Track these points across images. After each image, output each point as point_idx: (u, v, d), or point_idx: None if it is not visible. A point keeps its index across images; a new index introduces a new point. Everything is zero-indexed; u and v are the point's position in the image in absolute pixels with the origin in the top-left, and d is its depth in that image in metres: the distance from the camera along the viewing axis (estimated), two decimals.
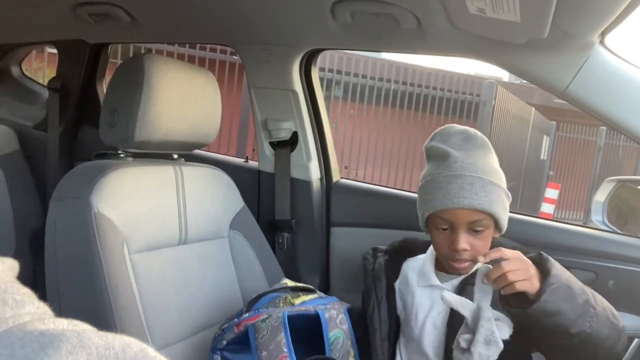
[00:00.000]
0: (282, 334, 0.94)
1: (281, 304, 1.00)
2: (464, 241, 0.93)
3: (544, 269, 0.83)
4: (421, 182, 1.02)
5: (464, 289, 0.97)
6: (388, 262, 1.11)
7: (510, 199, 0.99)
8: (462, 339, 0.84)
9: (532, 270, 0.83)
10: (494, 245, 1.02)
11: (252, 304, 1.02)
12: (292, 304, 1.00)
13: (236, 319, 0.98)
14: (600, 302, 0.85)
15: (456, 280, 1.00)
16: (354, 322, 1.06)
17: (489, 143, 1.01)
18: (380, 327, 1.06)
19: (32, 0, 1.31)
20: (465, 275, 0.98)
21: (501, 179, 0.97)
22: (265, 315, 0.96)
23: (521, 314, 0.82)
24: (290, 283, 1.09)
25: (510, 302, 0.84)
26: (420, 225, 1.03)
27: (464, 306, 0.84)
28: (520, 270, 0.81)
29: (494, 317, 0.82)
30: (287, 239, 1.44)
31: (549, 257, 0.85)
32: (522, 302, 0.82)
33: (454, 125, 1.03)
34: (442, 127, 1.04)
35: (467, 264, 0.95)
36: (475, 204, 0.92)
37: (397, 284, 1.09)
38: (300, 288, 1.08)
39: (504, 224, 0.98)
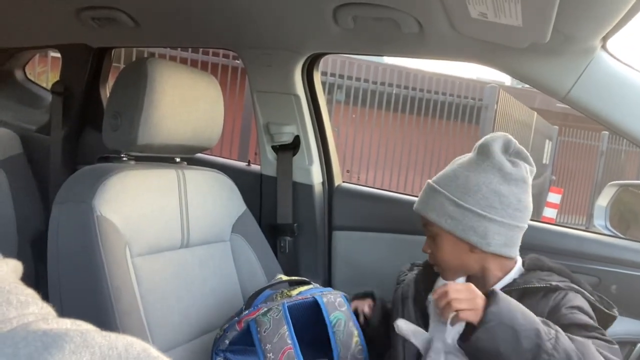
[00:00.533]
0: (285, 326, 0.95)
1: (279, 298, 1.01)
2: (426, 244, 1.01)
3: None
4: None
5: None
6: (421, 273, 1.10)
7: (473, 212, 0.92)
8: None
9: (479, 301, 0.81)
10: (529, 261, 1.00)
11: (250, 301, 1.03)
12: (290, 296, 1.01)
13: (237, 318, 0.99)
14: (565, 349, 0.77)
15: None
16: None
17: (495, 157, 0.94)
18: None
19: (35, 4, 1.32)
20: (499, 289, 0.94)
21: (454, 188, 0.94)
22: (265, 309, 0.97)
23: (464, 349, 0.82)
24: (285, 277, 1.10)
25: (462, 337, 0.83)
26: None
27: (415, 336, 0.85)
28: (465, 300, 0.80)
29: (444, 349, 0.81)
30: (289, 242, 1.44)
31: (497, 294, 0.81)
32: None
33: (498, 134, 1.00)
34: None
35: (437, 269, 1.01)
36: (416, 207, 1.02)
37: (430, 297, 1.05)
38: (296, 281, 1.09)
39: (468, 238, 0.93)
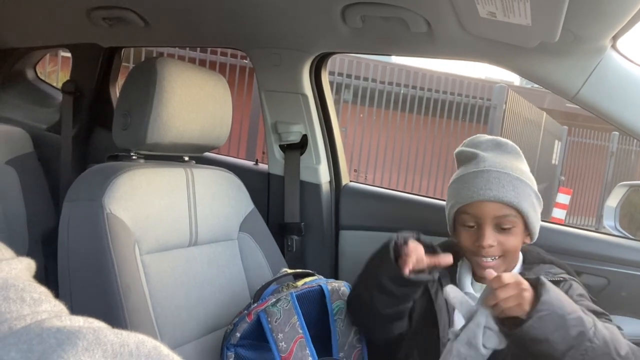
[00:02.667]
0: (295, 316, 0.98)
1: (285, 290, 1.03)
2: (491, 238, 0.92)
3: (537, 295, 0.81)
4: (449, 185, 1.02)
5: None
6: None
7: (542, 204, 0.98)
8: (451, 331, 0.85)
9: (527, 294, 0.80)
10: (530, 254, 1.01)
11: (258, 294, 1.04)
12: (296, 287, 1.04)
13: (246, 311, 1.00)
14: (603, 336, 0.81)
15: None
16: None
17: (520, 151, 1.01)
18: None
19: (46, 4, 1.33)
20: None
21: (531, 180, 0.97)
22: (274, 300, 0.98)
23: (509, 335, 0.81)
24: (289, 270, 1.12)
25: (505, 321, 0.82)
26: (448, 229, 1.03)
27: (461, 304, 0.84)
28: (512, 297, 0.80)
29: (484, 324, 0.81)
30: (296, 241, 1.44)
31: (546, 283, 0.82)
32: (515, 324, 0.80)
33: (484, 134, 1.05)
34: (472, 136, 1.06)
35: (494, 262, 0.95)
36: (501, 196, 0.92)
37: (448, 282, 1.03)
38: (301, 274, 1.11)
39: (535, 228, 0.96)
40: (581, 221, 7.94)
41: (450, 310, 0.99)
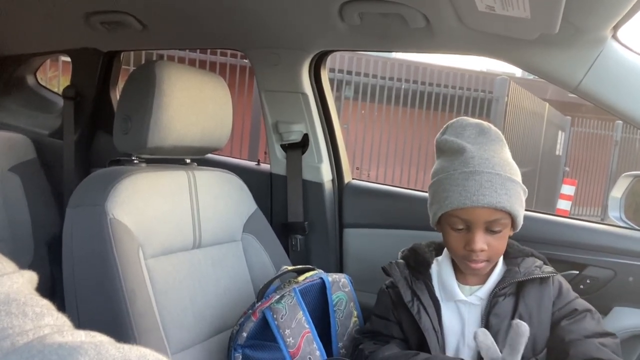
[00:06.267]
0: (301, 311, 0.99)
1: (287, 286, 1.04)
2: (482, 241, 0.91)
3: None
4: (433, 179, 0.98)
5: (495, 302, 0.94)
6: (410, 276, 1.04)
7: (527, 194, 0.96)
8: None
9: None
10: (511, 248, 1.00)
11: (261, 293, 1.05)
12: (297, 282, 1.05)
13: (250, 310, 1.01)
14: None
15: (481, 293, 0.97)
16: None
17: (503, 136, 0.98)
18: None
19: (45, 10, 1.33)
20: (495, 289, 0.95)
21: (518, 174, 0.94)
22: (278, 296, 0.99)
23: None
24: (290, 267, 1.12)
25: None
26: (432, 224, 1.00)
27: (486, 354, 0.82)
28: None
29: None
30: (300, 241, 1.44)
31: None
32: None
33: (466, 118, 1.00)
34: (454, 120, 1.01)
35: (483, 263, 0.94)
36: (495, 203, 0.88)
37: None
38: (302, 270, 1.12)
39: (521, 222, 0.95)
40: (587, 211, 7.91)
41: (436, 329, 0.96)
